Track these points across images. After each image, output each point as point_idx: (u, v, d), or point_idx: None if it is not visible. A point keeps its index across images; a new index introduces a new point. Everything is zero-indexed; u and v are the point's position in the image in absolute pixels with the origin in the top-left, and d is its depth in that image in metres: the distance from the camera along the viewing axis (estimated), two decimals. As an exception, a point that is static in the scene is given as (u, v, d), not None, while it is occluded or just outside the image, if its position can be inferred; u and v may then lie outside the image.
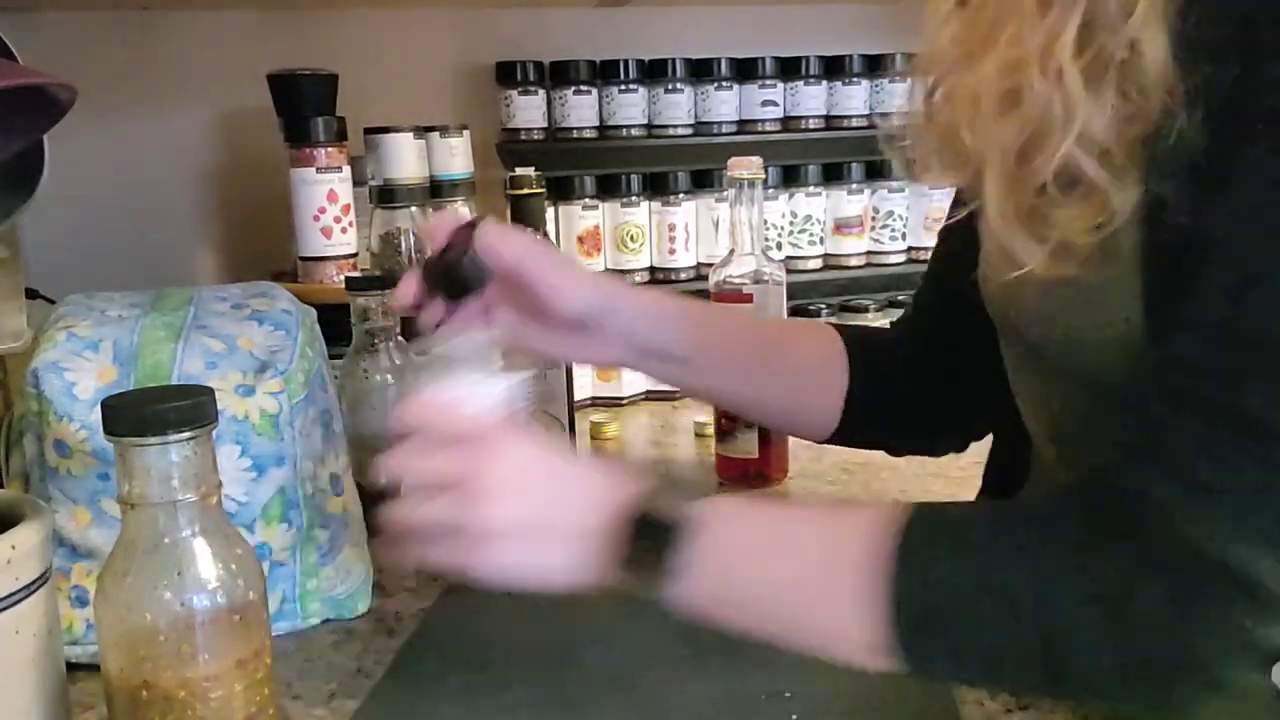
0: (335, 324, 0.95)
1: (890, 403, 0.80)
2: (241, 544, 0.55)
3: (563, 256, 0.72)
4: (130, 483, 0.52)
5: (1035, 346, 0.61)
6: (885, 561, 0.52)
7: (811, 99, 1.43)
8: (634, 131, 1.38)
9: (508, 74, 1.35)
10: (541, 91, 1.36)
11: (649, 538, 0.57)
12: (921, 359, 0.80)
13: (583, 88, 1.36)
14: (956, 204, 0.76)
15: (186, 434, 0.52)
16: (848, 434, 0.81)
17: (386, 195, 1.14)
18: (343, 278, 1.00)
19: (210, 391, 0.53)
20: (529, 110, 1.35)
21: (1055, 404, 0.64)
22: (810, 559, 0.56)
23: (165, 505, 0.52)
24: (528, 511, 0.59)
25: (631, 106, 1.37)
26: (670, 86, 1.38)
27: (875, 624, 0.52)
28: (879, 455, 0.88)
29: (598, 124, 1.38)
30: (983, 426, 0.83)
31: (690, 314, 0.78)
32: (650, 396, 1.38)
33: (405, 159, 1.16)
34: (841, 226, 1.46)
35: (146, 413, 0.51)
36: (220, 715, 0.53)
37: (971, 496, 0.96)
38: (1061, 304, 0.57)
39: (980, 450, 0.97)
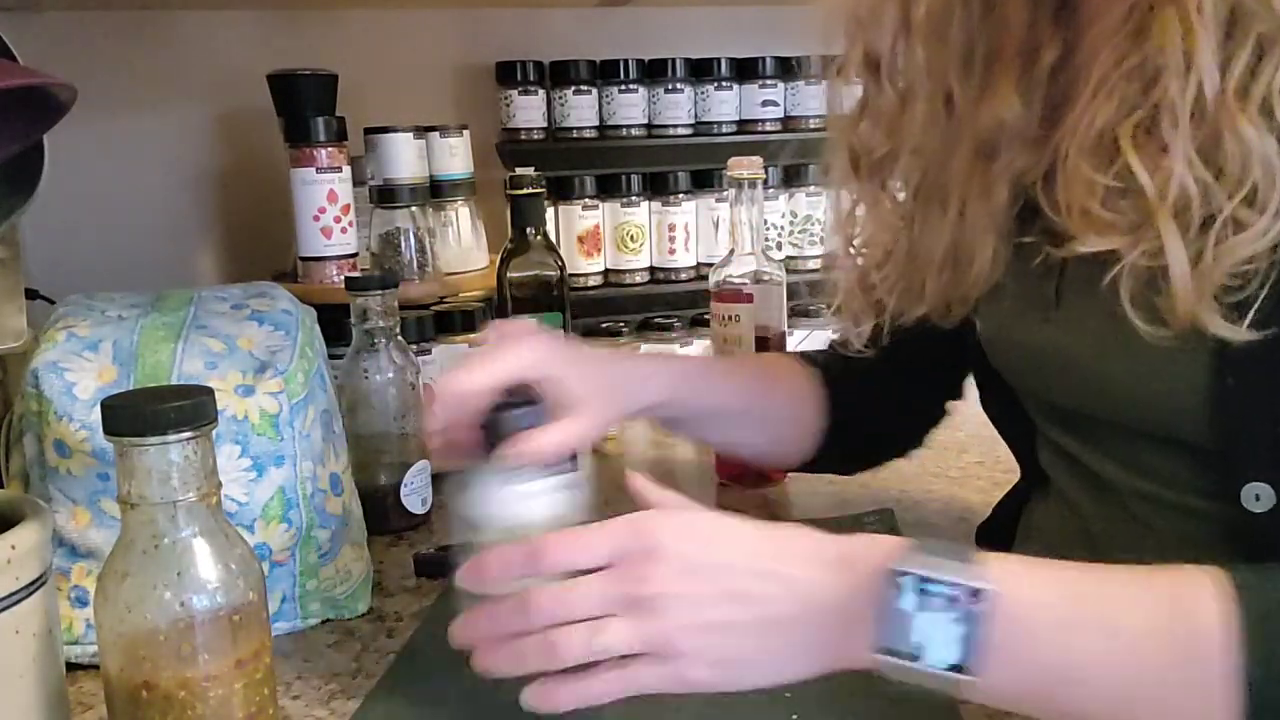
0: (335, 324, 0.95)
1: (860, 434, 0.84)
2: (241, 544, 0.55)
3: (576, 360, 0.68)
4: (130, 482, 0.52)
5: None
6: (1234, 644, 0.45)
7: (811, 99, 1.43)
8: (634, 131, 1.38)
9: (508, 74, 1.35)
10: (541, 91, 1.36)
11: (924, 613, 0.47)
12: (884, 381, 0.82)
13: (583, 88, 1.36)
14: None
15: (186, 433, 0.52)
16: (817, 464, 0.86)
17: (386, 195, 1.14)
18: (343, 278, 1.00)
19: (210, 391, 0.53)
20: (529, 110, 1.35)
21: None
22: (1138, 634, 0.47)
23: (165, 505, 0.52)
24: (729, 601, 0.51)
25: (631, 106, 1.37)
26: (670, 86, 1.38)
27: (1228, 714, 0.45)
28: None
29: (598, 124, 1.38)
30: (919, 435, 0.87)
31: (687, 376, 0.78)
32: (650, 396, 1.38)
33: (405, 159, 1.16)
34: (841, 226, 1.46)
35: (146, 413, 0.51)
36: (220, 715, 0.53)
37: (970, 496, 0.97)
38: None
39: (981, 451, 0.97)
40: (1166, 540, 0.61)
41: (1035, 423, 0.72)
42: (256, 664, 0.55)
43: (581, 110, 1.36)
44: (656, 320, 1.39)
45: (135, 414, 0.51)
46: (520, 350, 0.64)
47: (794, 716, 0.62)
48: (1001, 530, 0.80)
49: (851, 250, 0.73)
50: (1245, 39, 0.50)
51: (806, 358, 0.86)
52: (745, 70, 1.41)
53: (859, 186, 0.70)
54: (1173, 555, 0.55)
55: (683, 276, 1.41)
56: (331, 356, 0.88)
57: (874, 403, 0.83)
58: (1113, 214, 0.54)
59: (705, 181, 1.40)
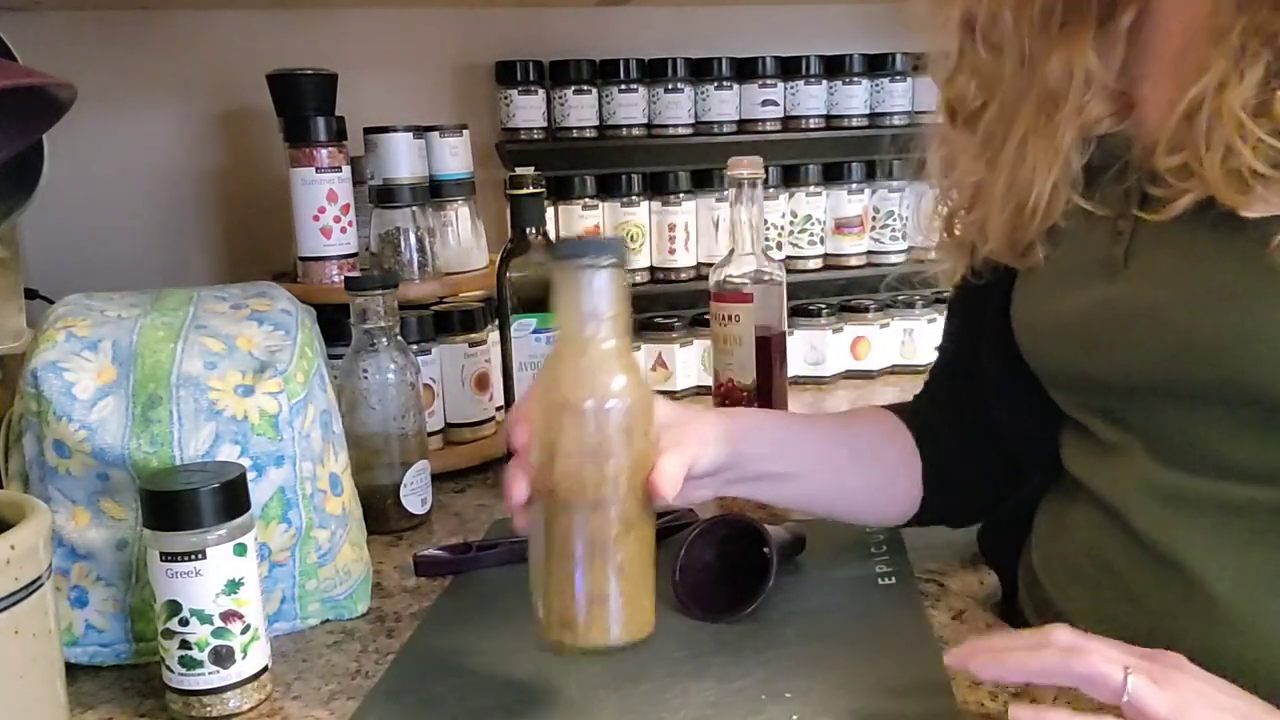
0: (335, 324, 0.95)
1: (962, 475, 0.80)
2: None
3: (684, 418, 0.69)
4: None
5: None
6: None
7: (811, 99, 1.43)
8: (634, 131, 1.38)
9: (507, 73, 1.35)
10: (541, 91, 1.36)
11: None
12: (969, 423, 0.80)
13: (583, 87, 1.36)
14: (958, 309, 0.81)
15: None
16: (926, 514, 0.81)
17: (386, 195, 1.14)
18: (343, 278, 1.00)
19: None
20: (529, 110, 1.35)
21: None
22: None
23: None
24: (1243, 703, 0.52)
25: (631, 106, 1.37)
26: (670, 86, 1.38)
27: None
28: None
29: (598, 124, 1.38)
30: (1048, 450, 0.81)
31: (788, 430, 0.77)
32: (650, 396, 1.38)
33: (404, 159, 1.16)
34: (841, 226, 1.46)
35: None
36: None
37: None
38: None
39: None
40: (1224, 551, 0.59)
41: (1070, 418, 0.71)
42: None
43: (581, 110, 1.36)
44: (656, 320, 1.39)
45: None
46: None
47: (794, 717, 0.62)
48: (1007, 529, 0.79)
49: (945, 196, 0.76)
50: None
51: (894, 408, 0.83)
52: (745, 70, 1.41)
53: (954, 135, 0.73)
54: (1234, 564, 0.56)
55: (683, 276, 1.41)
56: (331, 356, 0.88)
57: (955, 439, 0.80)
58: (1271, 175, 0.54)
59: (705, 181, 1.40)
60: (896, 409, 0.83)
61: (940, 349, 0.86)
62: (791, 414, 0.79)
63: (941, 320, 0.91)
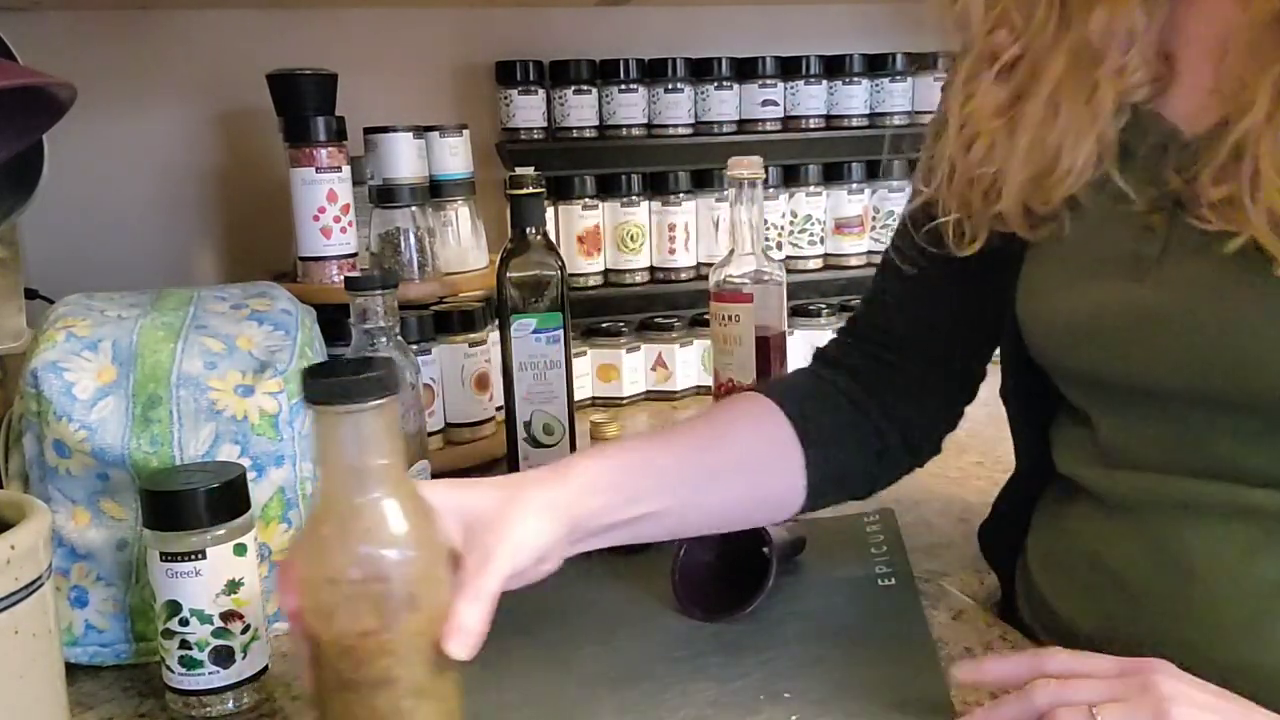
0: (335, 324, 0.95)
1: (850, 454, 0.75)
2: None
3: (505, 505, 0.61)
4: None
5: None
6: None
7: (811, 99, 1.43)
8: (634, 131, 1.38)
9: (507, 73, 1.35)
10: (541, 91, 1.36)
11: None
12: (869, 390, 0.77)
13: (583, 87, 1.36)
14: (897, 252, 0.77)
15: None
16: (818, 499, 0.75)
17: (386, 195, 1.14)
18: (343, 278, 1.00)
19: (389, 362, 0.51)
20: (529, 110, 1.35)
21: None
22: None
23: None
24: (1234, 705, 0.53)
25: (631, 106, 1.37)
26: (670, 86, 1.38)
27: None
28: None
29: (598, 124, 1.38)
30: (942, 433, 0.79)
31: (638, 466, 0.69)
32: (650, 396, 1.38)
33: (404, 159, 1.16)
34: (841, 226, 1.46)
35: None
36: None
37: (970, 497, 0.97)
38: None
39: (981, 451, 0.97)
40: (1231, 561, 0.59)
41: (1066, 419, 0.70)
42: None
43: (581, 110, 1.36)
44: (656, 320, 1.39)
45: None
46: None
47: (793, 717, 0.63)
48: (1007, 529, 0.79)
49: (963, 148, 0.69)
50: None
51: (766, 388, 0.78)
52: (745, 70, 1.41)
53: (982, 83, 0.68)
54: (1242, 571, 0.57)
55: (683, 276, 1.41)
56: (331, 357, 0.88)
57: (846, 414, 0.76)
58: None
59: (705, 181, 1.40)
60: (768, 389, 0.77)
61: (855, 316, 0.82)
62: (645, 441, 0.72)
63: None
